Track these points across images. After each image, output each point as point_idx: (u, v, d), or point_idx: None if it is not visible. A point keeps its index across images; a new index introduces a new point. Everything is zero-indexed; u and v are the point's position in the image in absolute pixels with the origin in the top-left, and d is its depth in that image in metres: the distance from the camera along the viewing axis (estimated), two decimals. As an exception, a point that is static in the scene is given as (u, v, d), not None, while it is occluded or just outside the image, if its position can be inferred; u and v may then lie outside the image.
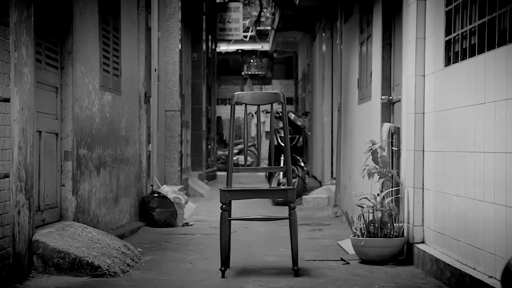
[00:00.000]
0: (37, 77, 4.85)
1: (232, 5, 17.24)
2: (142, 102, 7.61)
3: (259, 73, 23.14)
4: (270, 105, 4.91)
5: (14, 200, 4.27)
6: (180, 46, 10.58)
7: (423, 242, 5.00)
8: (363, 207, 5.24)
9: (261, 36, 20.04)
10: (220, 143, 21.60)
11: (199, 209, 9.47)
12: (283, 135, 10.39)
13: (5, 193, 4.17)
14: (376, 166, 5.41)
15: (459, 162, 4.27)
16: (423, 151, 5.00)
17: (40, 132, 5.01)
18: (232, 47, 21.10)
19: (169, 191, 7.70)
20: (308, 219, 8.23)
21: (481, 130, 3.92)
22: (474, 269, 4.00)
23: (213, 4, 16.48)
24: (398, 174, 5.50)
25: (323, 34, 11.66)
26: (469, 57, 4.16)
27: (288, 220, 4.71)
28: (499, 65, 3.67)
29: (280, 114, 10.78)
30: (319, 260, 5.29)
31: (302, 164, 10.61)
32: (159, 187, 7.95)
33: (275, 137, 10.48)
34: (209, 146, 16.16)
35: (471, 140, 4.06)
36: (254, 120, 21.80)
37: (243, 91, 21.86)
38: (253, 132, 22.29)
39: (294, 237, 4.68)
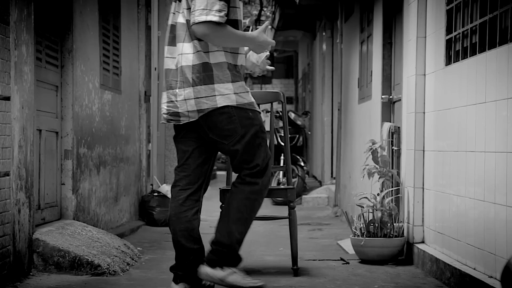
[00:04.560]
0: (37, 76, 4.84)
1: (233, 4, 17.19)
2: (142, 101, 7.60)
3: (259, 72, 23.09)
4: (270, 104, 4.90)
5: (14, 198, 4.26)
6: (180, 45, 10.56)
7: (423, 242, 4.99)
8: (363, 207, 5.23)
9: (261, 35, 19.99)
10: (220, 142, 21.56)
11: (199, 208, 9.45)
12: (283, 135, 10.37)
13: (5, 192, 4.17)
14: (376, 166, 5.40)
15: (459, 162, 4.26)
16: (424, 150, 4.99)
17: (40, 130, 5.00)
18: (232, 46, 21.05)
19: (169, 190, 7.68)
20: (308, 219, 8.22)
21: (481, 130, 3.91)
22: (474, 269, 4.00)
23: (214, 3, 16.43)
24: (398, 173, 5.49)
25: (324, 33, 11.65)
26: (470, 56, 4.16)
27: (287, 219, 4.70)
28: (500, 64, 3.67)
29: (280, 113, 10.77)
30: (319, 260, 5.28)
31: (302, 164, 10.59)
32: (159, 186, 7.94)
33: (275, 137, 10.48)
34: (209, 145, 16.13)
35: (472, 140, 4.06)
36: (254, 120, 21.74)
37: (243, 90, 21.78)
38: (253, 132, 22.23)
39: (294, 236, 4.67)
